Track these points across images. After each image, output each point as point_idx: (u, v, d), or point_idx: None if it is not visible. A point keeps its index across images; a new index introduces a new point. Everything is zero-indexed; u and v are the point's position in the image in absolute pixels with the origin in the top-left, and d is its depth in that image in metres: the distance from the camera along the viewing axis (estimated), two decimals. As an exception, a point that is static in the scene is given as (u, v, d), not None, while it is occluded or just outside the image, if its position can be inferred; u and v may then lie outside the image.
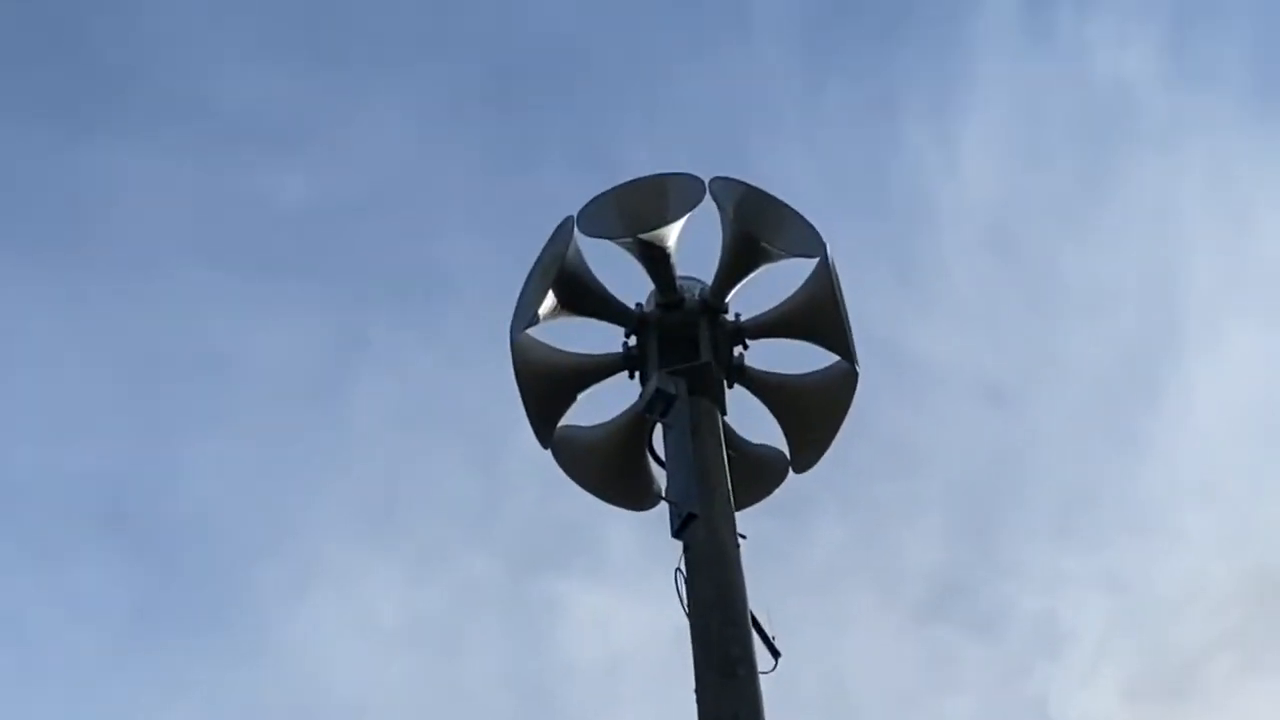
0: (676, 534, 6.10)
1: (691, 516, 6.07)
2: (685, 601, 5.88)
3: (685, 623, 5.83)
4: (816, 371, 7.12)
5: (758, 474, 7.04)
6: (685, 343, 6.85)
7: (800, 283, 7.04)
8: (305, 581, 18.45)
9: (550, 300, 6.93)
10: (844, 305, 6.90)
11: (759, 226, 6.92)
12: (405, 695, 17.64)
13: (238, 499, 18.64)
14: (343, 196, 19.34)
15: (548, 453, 6.97)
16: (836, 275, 6.91)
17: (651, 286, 7.07)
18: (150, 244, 19.12)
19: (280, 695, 17.53)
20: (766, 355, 7.10)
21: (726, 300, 7.03)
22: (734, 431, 6.90)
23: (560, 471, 7.00)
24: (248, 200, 19.23)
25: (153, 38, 18.76)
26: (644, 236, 6.88)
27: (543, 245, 6.99)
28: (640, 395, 6.76)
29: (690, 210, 6.85)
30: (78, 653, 17.86)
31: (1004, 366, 16.85)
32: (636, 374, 6.97)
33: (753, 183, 6.95)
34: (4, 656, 17.33)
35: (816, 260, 6.93)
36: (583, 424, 7.11)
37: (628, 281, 7.13)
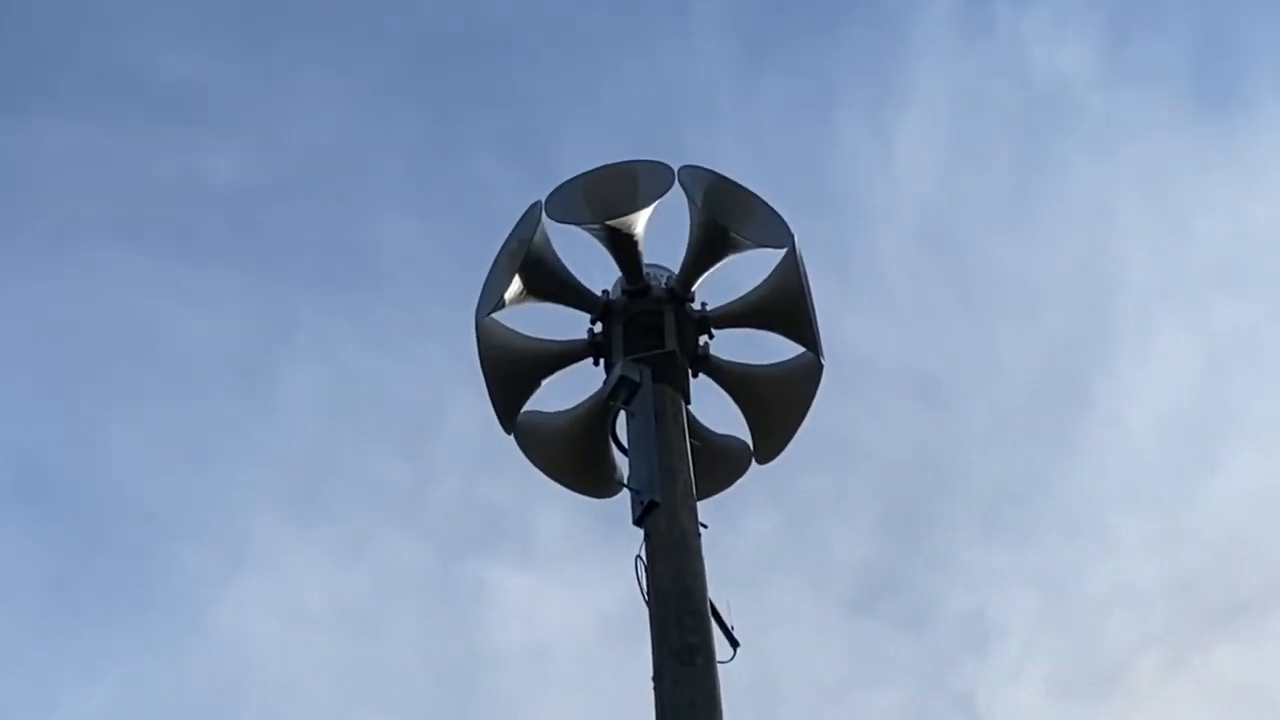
0: (638, 521, 6.11)
1: (653, 504, 6.08)
2: (645, 589, 5.88)
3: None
4: (781, 362, 7.14)
5: (721, 463, 7.07)
6: (651, 330, 6.87)
7: (767, 273, 7.07)
8: (230, 563, 18.39)
9: (516, 285, 6.93)
10: (810, 297, 6.93)
11: (727, 216, 6.95)
12: (330, 679, 17.63)
13: (163, 479, 18.53)
14: (272, 179, 19.28)
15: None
16: (804, 266, 6.93)
17: (618, 274, 7.08)
18: (76, 220, 18.93)
19: (202, 677, 17.56)
20: (732, 345, 7.14)
21: (693, 289, 7.05)
22: (697, 420, 6.92)
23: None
24: (176, 179, 19.06)
25: (85, 12, 18.49)
26: (612, 223, 6.89)
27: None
28: (604, 382, 6.78)
29: (659, 198, 6.86)
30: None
31: (936, 361, 16.82)
32: (601, 361, 6.97)
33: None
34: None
35: (784, 251, 6.95)
36: (546, 410, 7.12)
37: (595, 268, 7.15)
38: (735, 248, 7.02)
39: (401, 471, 18.03)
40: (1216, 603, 18.27)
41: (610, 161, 7.01)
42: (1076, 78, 18.26)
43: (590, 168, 7.06)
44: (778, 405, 7.08)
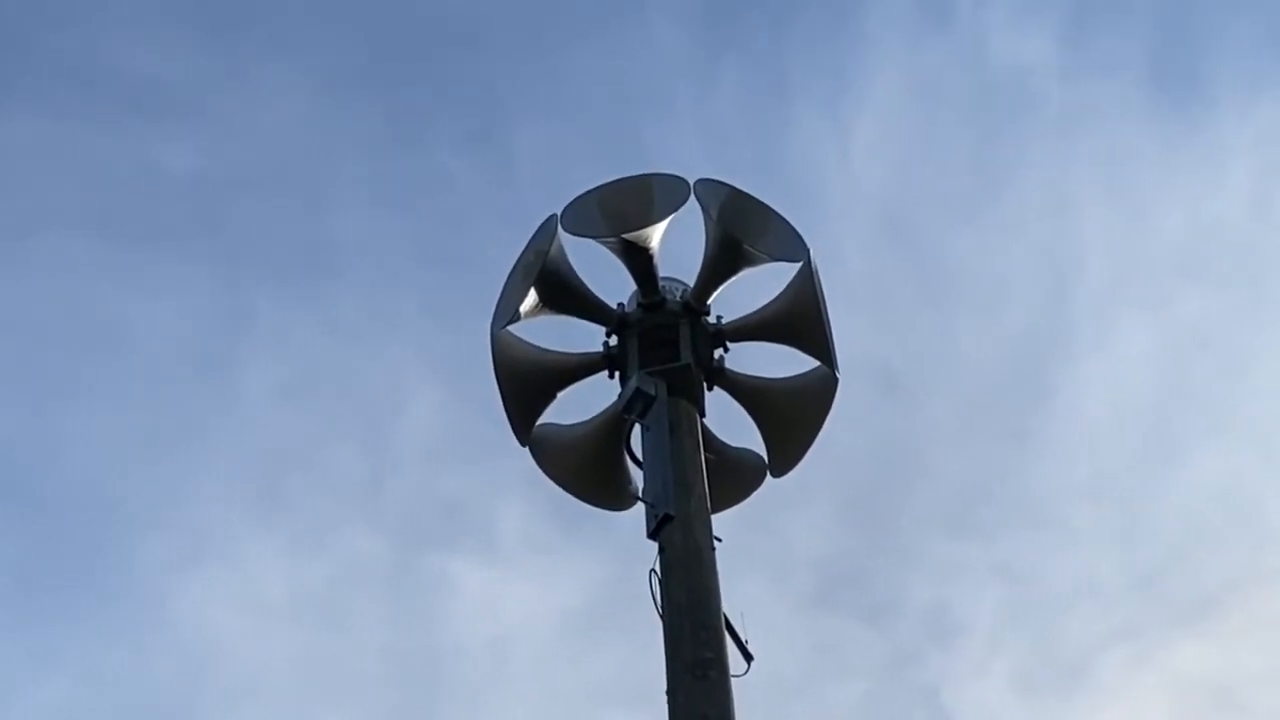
0: (652, 535, 6.17)
1: (667, 518, 6.14)
2: (659, 603, 5.94)
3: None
4: (796, 376, 7.20)
5: (736, 477, 7.12)
6: (666, 344, 6.94)
7: (782, 287, 7.12)
8: (190, 555, 18.63)
9: (532, 298, 7.00)
10: (826, 310, 6.98)
11: (742, 229, 7.01)
12: (290, 671, 17.89)
13: (121, 470, 18.71)
14: (233, 171, 19.41)
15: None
16: (819, 280, 6.98)
17: (633, 287, 7.15)
18: (35, 212, 18.93)
19: (162, 669, 17.83)
20: (747, 358, 7.19)
21: (708, 302, 7.12)
22: (712, 434, 6.97)
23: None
24: (136, 169, 19.23)
25: (44, 6, 18.59)
26: (627, 236, 6.96)
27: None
28: (619, 395, 6.85)
29: (674, 211, 6.93)
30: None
31: (896, 354, 16.63)
32: (616, 374, 7.05)
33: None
34: None
35: (799, 265, 7.01)
36: (561, 422, 7.18)
37: (610, 281, 7.20)
38: (750, 261, 7.08)
39: (361, 463, 18.27)
40: (1179, 598, 18.45)
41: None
42: (1036, 69, 18.33)
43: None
44: (792, 418, 7.15)
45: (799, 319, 7.04)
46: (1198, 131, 18.70)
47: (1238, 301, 18.42)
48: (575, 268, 7.14)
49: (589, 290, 7.16)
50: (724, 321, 7.13)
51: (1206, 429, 18.36)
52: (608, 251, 7.09)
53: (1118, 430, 18.32)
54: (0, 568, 18.30)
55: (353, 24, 19.12)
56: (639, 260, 7.04)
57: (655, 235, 7.00)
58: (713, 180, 7.06)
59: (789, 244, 7.03)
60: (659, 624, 5.94)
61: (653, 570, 6.05)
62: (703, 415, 6.85)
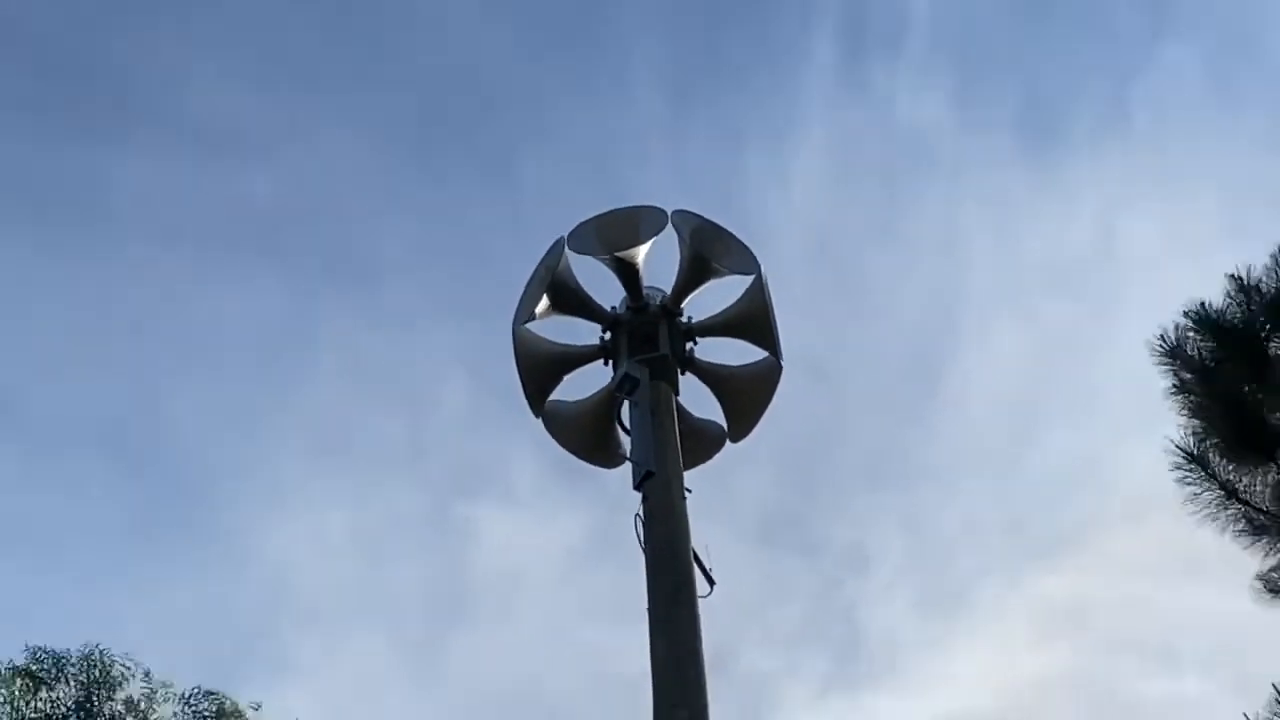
0: (637, 486, 7.36)
1: (649, 473, 7.35)
2: (642, 540, 7.13)
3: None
4: (750, 364, 8.36)
5: (702, 442, 8.32)
6: (649, 338, 8.06)
7: (740, 294, 8.26)
8: (271, 504, 22.53)
9: (544, 302, 8.15)
10: (773, 312, 8.19)
11: (709, 249, 8.15)
12: (349, 596, 21.94)
13: (218, 435, 22.51)
14: (301, 200, 23.00)
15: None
16: (768, 289, 8.18)
17: (623, 294, 8.27)
18: (144, 229, 22.58)
19: (250, 592, 21.76)
20: (712, 350, 8.32)
21: (682, 306, 8.25)
22: (684, 408, 8.15)
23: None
24: (225, 198, 22.81)
25: (167, 66, 21.66)
26: (619, 255, 8.10)
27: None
28: (612, 378, 7.99)
29: (655, 235, 8.10)
30: (84, 555, 21.71)
31: (824, 350, 19.99)
32: (610, 361, 8.17)
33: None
34: (24, 558, 20.47)
35: (753, 277, 8.19)
36: (567, 399, 8.32)
37: (605, 289, 8.33)
38: (715, 274, 8.21)
39: (406, 432, 22.35)
40: (1042, 538, 22.67)
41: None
42: (931, 124, 22.12)
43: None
44: (747, 397, 8.29)
45: (752, 319, 8.19)
46: (1057, 172, 22.34)
47: (1090, 310, 22.29)
48: (578, 279, 8.26)
49: (589, 296, 8.28)
50: (694, 321, 8.23)
51: (1065, 409, 22.32)
52: (603, 266, 8.20)
53: (994, 410, 22.39)
54: (119, 517, 22.37)
55: (393, 81, 22.75)
56: (628, 273, 8.16)
57: (640, 254, 8.12)
58: (686, 211, 8.21)
59: (745, 260, 8.16)
60: (642, 557, 7.06)
61: (637, 515, 7.24)
62: (677, 394, 8.00)
